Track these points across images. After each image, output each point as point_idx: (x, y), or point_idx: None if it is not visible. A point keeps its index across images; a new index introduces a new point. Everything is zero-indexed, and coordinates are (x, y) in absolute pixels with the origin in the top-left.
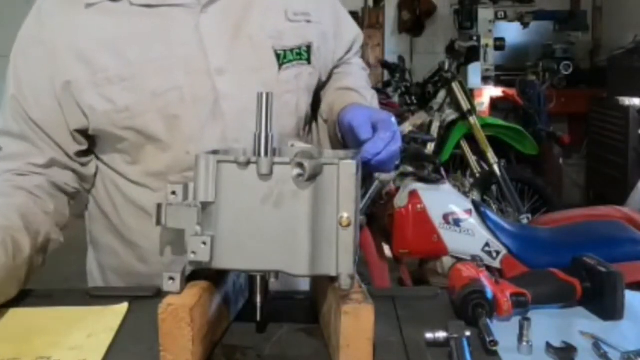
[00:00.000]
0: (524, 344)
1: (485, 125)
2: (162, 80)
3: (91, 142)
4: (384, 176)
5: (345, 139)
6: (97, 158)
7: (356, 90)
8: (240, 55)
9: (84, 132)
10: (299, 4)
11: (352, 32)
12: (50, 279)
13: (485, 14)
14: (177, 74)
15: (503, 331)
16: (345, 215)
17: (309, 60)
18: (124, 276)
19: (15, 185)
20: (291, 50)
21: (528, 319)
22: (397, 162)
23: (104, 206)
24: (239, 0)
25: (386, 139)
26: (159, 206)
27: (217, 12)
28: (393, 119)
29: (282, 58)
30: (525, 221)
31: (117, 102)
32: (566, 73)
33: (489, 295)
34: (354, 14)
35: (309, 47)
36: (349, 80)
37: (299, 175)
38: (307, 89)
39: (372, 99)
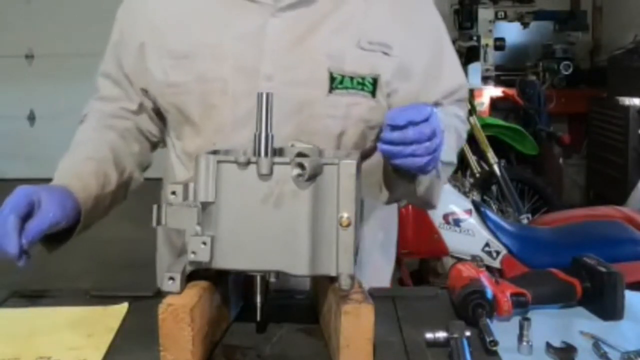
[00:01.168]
0: (524, 344)
1: (485, 125)
2: (211, 67)
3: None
4: None
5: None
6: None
7: None
8: (291, 66)
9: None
10: (379, 33)
11: (453, 80)
12: (52, 278)
13: (485, 14)
14: (227, 66)
15: (503, 331)
16: (345, 215)
17: (373, 93)
18: (176, 252)
19: (108, 125)
20: (351, 78)
21: (528, 319)
22: (435, 167)
23: (164, 179)
24: (312, 15)
25: (411, 115)
26: (159, 206)
27: (287, 20)
28: (435, 112)
29: (337, 82)
30: (525, 221)
31: (169, 77)
32: (566, 73)
33: (489, 295)
34: None
35: (375, 80)
36: None
37: (299, 175)
38: (364, 122)
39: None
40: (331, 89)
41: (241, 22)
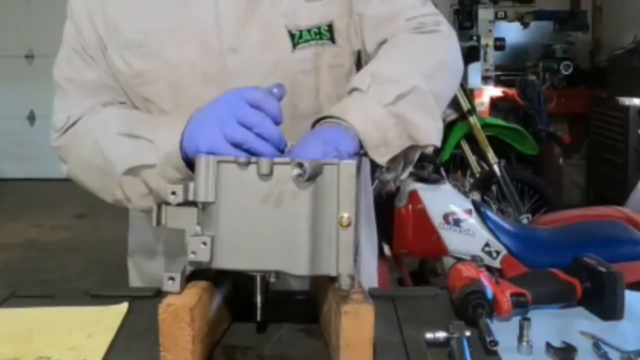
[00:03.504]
0: (524, 344)
1: (485, 125)
2: (177, 51)
3: None
4: (383, 176)
5: None
6: None
7: (357, 89)
8: (252, 34)
9: None
10: None
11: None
12: (51, 278)
13: (485, 14)
14: (191, 48)
15: (503, 331)
16: (345, 215)
17: (332, 40)
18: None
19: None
20: (308, 30)
21: (528, 319)
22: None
23: None
24: None
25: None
26: (159, 206)
27: None
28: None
29: (297, 38)
30: (525, 221)
31: (133, 67)
32: (566, 73)
33: (489, 295)
34: None
35: (330, 26)
36: (365, 71)
37: (299, 175)
38: (334, 70)
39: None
40: (294, 45)
41: (194, 3)
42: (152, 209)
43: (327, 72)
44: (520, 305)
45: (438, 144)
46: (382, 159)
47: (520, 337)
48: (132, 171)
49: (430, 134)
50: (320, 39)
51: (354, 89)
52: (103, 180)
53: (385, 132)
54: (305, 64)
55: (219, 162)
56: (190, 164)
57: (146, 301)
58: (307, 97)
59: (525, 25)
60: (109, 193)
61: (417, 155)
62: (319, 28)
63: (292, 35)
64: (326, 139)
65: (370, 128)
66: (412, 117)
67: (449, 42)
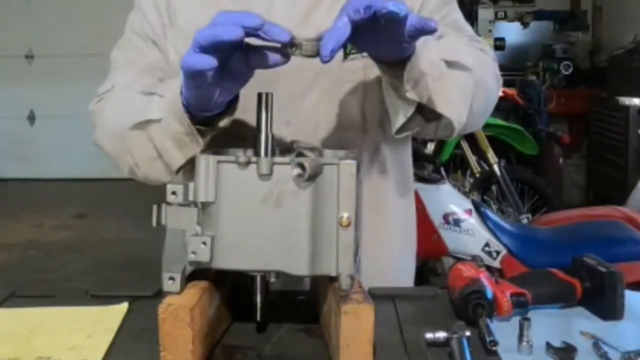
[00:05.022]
0: (524, 344)
1: (485, 125)
2: None
3: None
4: None
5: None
6: None
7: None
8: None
9: None
10: None
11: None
12: (51, 278)
13: (485, 14)
14: None
15: (503, 331)
16: (345, 215)
17: None
18: None
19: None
20: None
21: (528, 319)
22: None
23: None
24: None
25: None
26: (159, 206)
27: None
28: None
29: (350, 48)
30: (525, 221)
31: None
32: (566, 73)
33: (489, 295)
34: None
35: None
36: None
37: (299, 175)
38: (381, 86)
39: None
40: (345, 55)
41: (249, 4)
42: (162, 182)
43: (375, 87)
44: (520, 305)
45: (455, 129)
46: (407, 89)
47: (520, 337)
48: (139, 126)
49: (454, 114)
50: None
51: None
52: (119, 143)
53: (424, 75)
54: (354, 75)
55: (219, 162)
56: (193, 118)
57: (146, 301)
58: (352, 108)
59: (525, 25)
60: (123, 160)
61: (415, 129)
62: None
63: (345, 46)
64: None
65: (418, 60)
66: (450, 88)
67: (499, 82)
